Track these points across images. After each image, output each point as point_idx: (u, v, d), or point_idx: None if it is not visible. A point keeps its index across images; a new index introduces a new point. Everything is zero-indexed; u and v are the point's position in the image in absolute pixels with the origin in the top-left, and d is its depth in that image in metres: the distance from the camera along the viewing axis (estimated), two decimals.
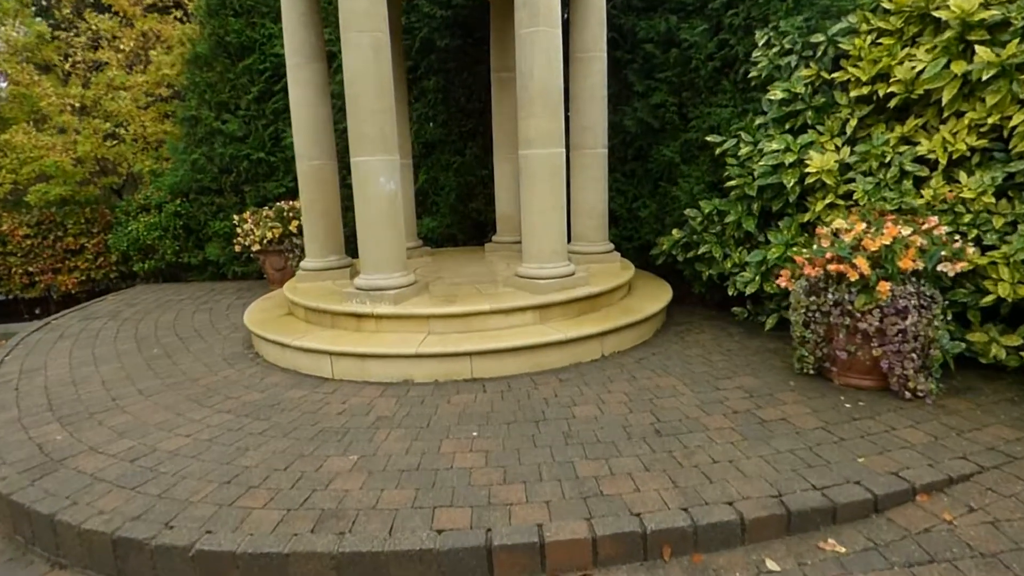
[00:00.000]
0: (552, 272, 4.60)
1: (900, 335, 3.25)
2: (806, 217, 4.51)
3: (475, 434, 3.20)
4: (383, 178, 4.37)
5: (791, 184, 4.48)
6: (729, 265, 5.01)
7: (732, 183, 4.96)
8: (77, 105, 8.92)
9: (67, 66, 9.54)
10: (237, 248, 7.42)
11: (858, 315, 3.34)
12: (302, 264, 5.58)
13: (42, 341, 5.59)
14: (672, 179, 6.08)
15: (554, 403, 3.55)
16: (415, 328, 4.28)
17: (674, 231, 5.62)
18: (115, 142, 9.09)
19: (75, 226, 8.54)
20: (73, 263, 8.56)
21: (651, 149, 6.33)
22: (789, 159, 4.46)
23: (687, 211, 5.45)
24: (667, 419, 3.27)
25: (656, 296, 5.21)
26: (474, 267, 5.87)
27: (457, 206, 7.80)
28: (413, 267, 5.86)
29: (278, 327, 4.68)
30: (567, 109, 5.45)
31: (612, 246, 5.86)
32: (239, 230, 7.36)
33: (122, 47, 9.31)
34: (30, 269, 8.59)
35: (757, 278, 4.72)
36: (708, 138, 5.31)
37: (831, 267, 3.38)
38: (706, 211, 5.18)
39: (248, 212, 7.50)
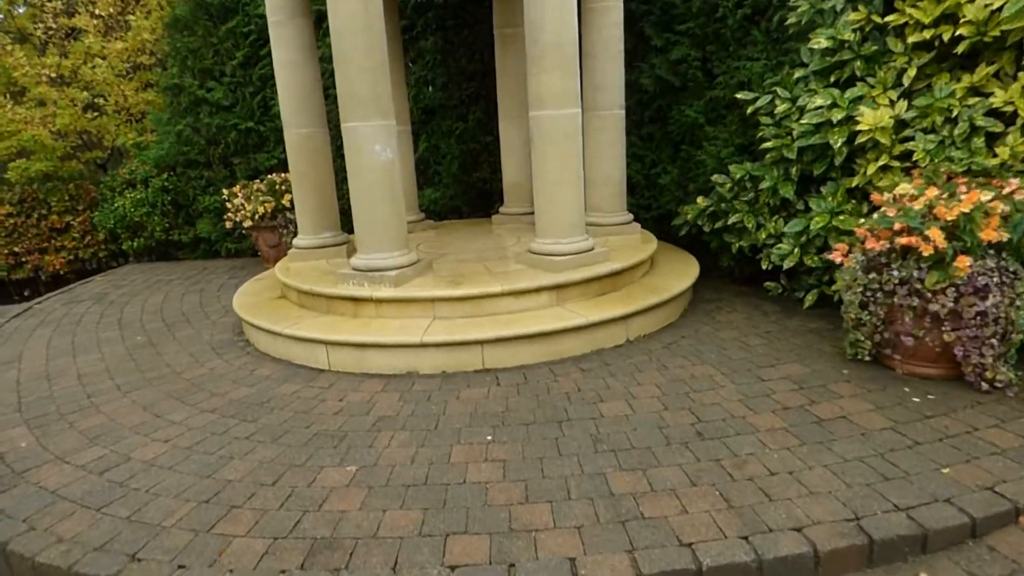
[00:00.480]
0: (569, 247, 4.15)
1: (978, 318, 2.81)
2: (854, 182, 4.02)
3: (489, 438, 2.81)
4: (378, 146, 3.90)
5: (838, 144, 3.98)
6: (763, 236, 4.54)
7: (768, 145, 4.45)
8: (54, 75, 8.37)
9: (40, 33, 8.95)
10: (228, 224, 6.98)
11: (928, 295, 2.89)
12: (294, 242, 5.14)
13: (20, 329, 5.21)
14: (696, 142, 5.56)
15: (577, 399, 3.15)
16: (419, 313, 3.86)
17: (699, 199, 5.14)
18: (96, 114, 8.56)
19: (59, 203, 8.09)
20: (59, 242, 8.15)
21: (671, 110, 5.79)
22: (837, 116, 3.94)
23: (714, 177, 4.96)
24: (709, 418, 2.87)
25: (682, 272, 4.76)
26: (481, 241, 5.42)
27: (460, 175, 7.30)
28: (415, 243, 5.43)
29: (269, 312, 4.27)
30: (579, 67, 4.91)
31: (631, 216, 5.39)
32: (229, 205, 6.90)
33: (99, 11, 8.70)
34: (15, 249, 8.18)
35: (796, 251, 4.26)
36: (738, 95, 4.78)
37: (900, 240, 2.92)
38: (737, 176, 4.70)
39: (238, 186, 7.03)
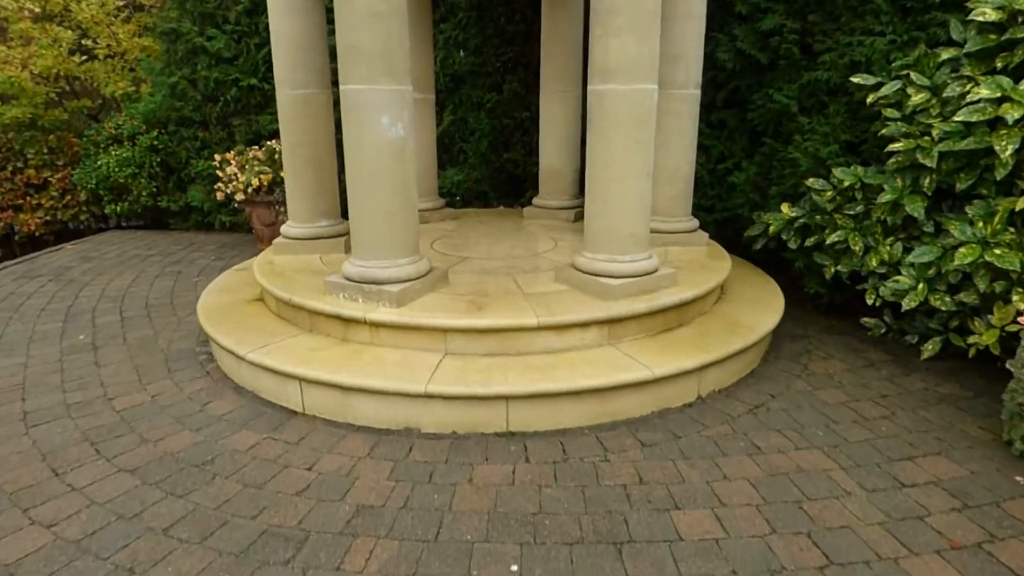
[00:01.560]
0: (629, 267, 3.17)
1: None
2: (1020, 204, 2.97)
3: (515, 569, 1.88)
4: (386, 118, 2.92)
5: (1007, 153, 2.93)
6: (873, 263, 3.53)
7: (897, 147, 3.40)
8: (39, 10, 7.44)
9: None
10: (219, 196, 6.06)
11: None
12: (283, 229, 4.20)
13: None
14: (783, 135, 4.49)
15: (640, 500, 2.21)
16: (426, 344, 2.93)
17: (784, 207, 4.12)
18: (84, 58, 7.64)
19: (37, 156, 7.22)
20: (36, 200, 7.30)
21: (753, 92, 4.71)
22: (1016, 113, 2.88)
23: (810, 181, 3.93)
24: (842, 556, 1.92)
25: (762, 300, 3.76)
26: (510, 242, 4.45)
27: (489, 155, 6.28)
28: (429, 238, 4.47)
29: (239, 322, 3.36)
30: None
31: (696, 223, 4.39)
32: (220, 174, 5.98)
33: None
34: None
35: (921, 286, 3.25)
36: (854, 79, 3.71)
37: None
38: (844, 183, 3.66)
39: (233, 152, 6.09)
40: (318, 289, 3.27)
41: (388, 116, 2.93)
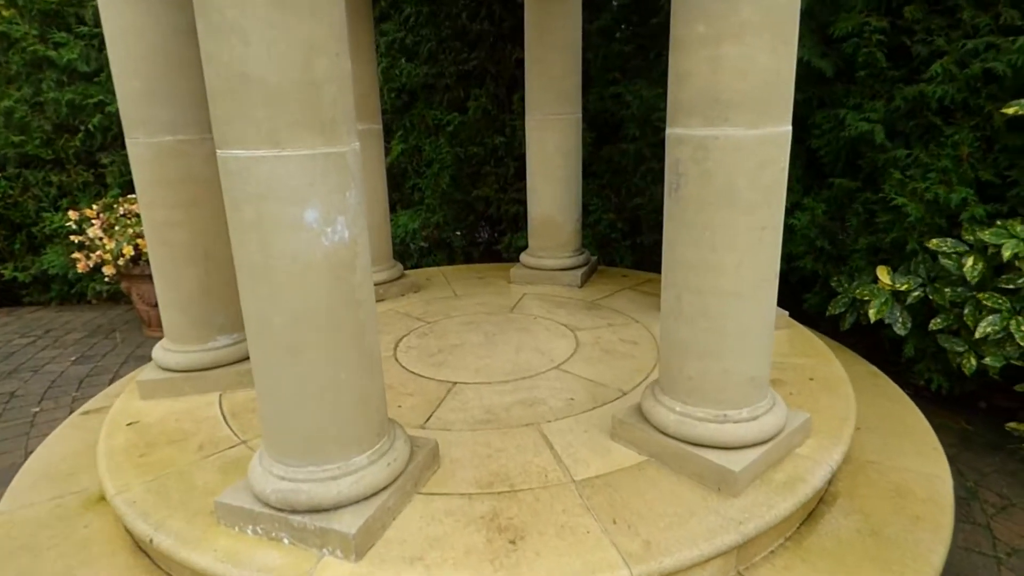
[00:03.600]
0: (752, 430, 1.87)
1: None
2: None
3: None
4: (313, 211, 1.49)
5: None
6: None
7: None
8: None
9: None
10: (80, 267, 4.35)
11: None
12: (155, 355, 2.65)
13: None
14: (862, 169, 3.34)
15: None
16: None
17: (883, 273, 2.98)
18: None
19: None
20: None
21: (814, 112, 3.55)
22: None
23: (934, 242, 2.79)
24: None
25: (894, 417, 2.56)
26: (509, 337, 3.07)
27: (453, 193, 4.88)
28: (391, 333, 3.04)
29: (67, 568, 1.84)
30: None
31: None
32: (78, 239, 4.29)
33: None
34: None
35: None
36: (1007, 109, 2.58)
37: None
38: (1007, 252, 2.52)
39: (97, 206, 4.41)
40: (207, 521, 1.79)
41: (317, 208, 1.50)
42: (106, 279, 4.33)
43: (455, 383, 2.59)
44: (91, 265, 4.25)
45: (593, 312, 3.38)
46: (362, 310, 1.65)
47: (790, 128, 1.75)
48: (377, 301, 3.67)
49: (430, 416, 2.32)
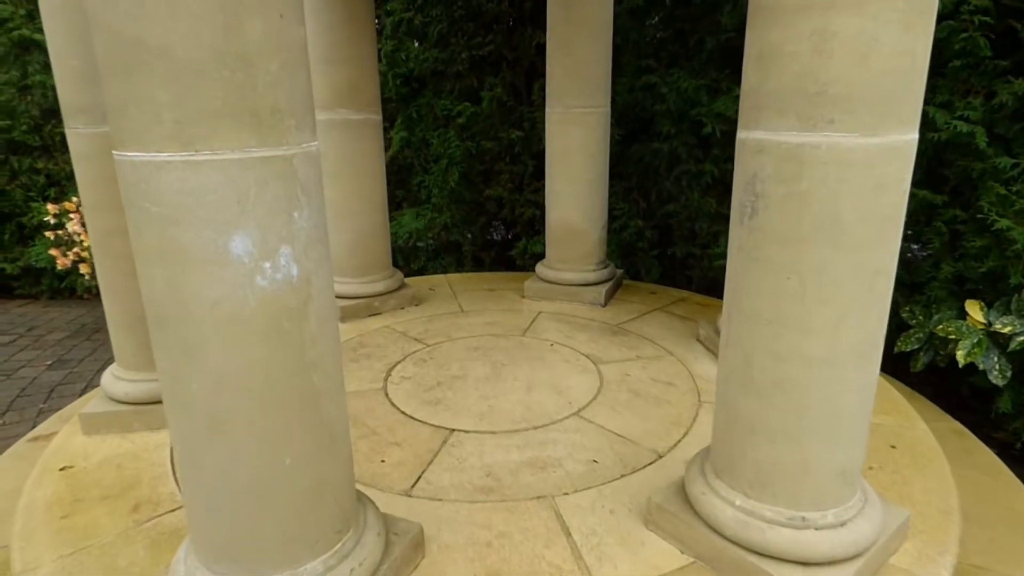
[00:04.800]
0: (843, 541, 1.38)
1: None
2: None
3: None
4: (241, 239, 1.05)
5: None
6: None
7: None
8: None
9: None
10: (60, 263, 4.00)
11: None
12: (103, 382, 2.25)
13: None
14: (945, 181, 2.82)
15: None
16: None
17: (973, 308, 2.47)
18: None
19: None
20: None
21: None
22: None
23: None
24: None
25: (1012, 509, 2.06)
26: (520, 370, 2.62)
27: (462, 191, 4.43)
28: (385, 359, 2.59)
29: None
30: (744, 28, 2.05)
31: None
32: (55, 235, 3.94)
33: None
34: None
35: None
36: None
37: None
38: None
39: (76, 199, 4.05)
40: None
41: (249, 235, 1.06)
42: (86, 277, 3.98)
43: (453, 430, 2.15)
44: (69, 263, 3.89)
45: (619, 339, 2.91)
46: (317, 373, 1.20)
47: (917, 136, 1.26)
48: (373, 315, 3.28)
49: (419, 478, 1.89)
